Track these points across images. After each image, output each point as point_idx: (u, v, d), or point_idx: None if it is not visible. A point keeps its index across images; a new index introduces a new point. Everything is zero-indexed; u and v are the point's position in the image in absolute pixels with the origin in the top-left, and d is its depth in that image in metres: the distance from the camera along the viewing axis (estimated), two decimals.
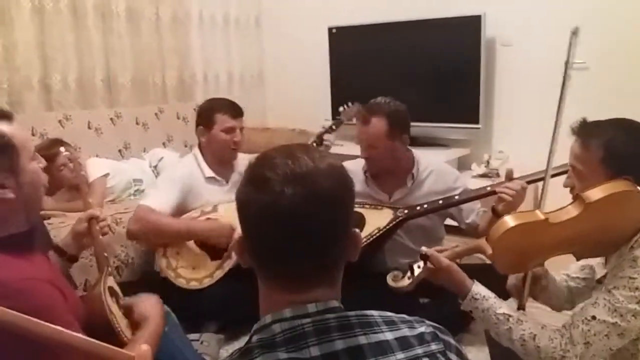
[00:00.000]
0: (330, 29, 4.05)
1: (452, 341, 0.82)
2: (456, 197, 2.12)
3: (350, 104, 2.67)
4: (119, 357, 0.84)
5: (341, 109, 2.63)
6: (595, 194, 1.23)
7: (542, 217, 1.27)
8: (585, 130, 1.33)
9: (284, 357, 0.73)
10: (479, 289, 1.37)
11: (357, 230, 0.82)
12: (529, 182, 1.93)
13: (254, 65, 4.58)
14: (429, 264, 1.40)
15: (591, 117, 1.36)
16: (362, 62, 3.95)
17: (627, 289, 1.20)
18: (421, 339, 0.79)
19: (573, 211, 1.26)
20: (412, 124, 2.29)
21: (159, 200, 2.25)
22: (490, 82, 3.62)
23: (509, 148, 3.59)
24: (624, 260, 1.24)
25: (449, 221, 2.45)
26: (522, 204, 1.97)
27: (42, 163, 1.26)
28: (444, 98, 3.64)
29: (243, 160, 2.46)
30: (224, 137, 2.37)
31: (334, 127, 2.58)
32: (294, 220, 0.75)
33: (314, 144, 2.52)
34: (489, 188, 2.11)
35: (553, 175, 1.60)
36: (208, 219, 2.33)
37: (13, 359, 1.02)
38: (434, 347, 0.79)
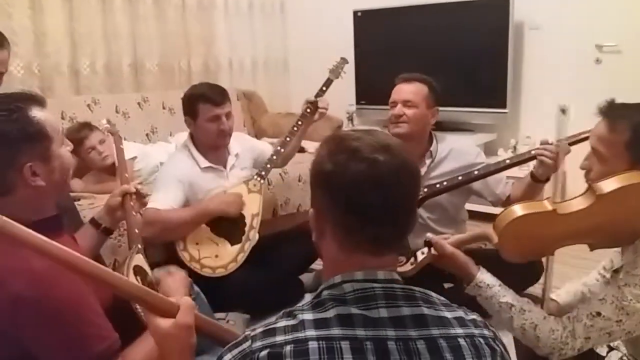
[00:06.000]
0: (355, 13, 4.02)
1: (498, 334, 0.87)
2: (475, 172, 2.09)
3: (335, 62, 2.62)
4: (164, 305, 0.90)
5: (329, 67, 2.58)
6: (608, 185, 1.17)
7: (550, 207, 1.22)
8: (613, 111, 1.26)
9: (356, 312, 0.77)
10: (483, 276, 1.34)
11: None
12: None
13: (279, 50, 4.59)
14: (432, 251, 1.39)
15: (622, 100, 1.31)
16: (388, 46, 3.91)
17: (637, 287, 1.16)
18: (475, 323, 0.85)
19: (583, 202, 1.20)
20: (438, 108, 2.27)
21: (164, 201, 2.21)
22: (518, 66, 3.56)
23: (536, 133, 3.52)
24: (638, 257, 1.19)
25: (471, 206, 2.42)
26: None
27: (70, 146, 1.27)
28: (471, 82, 3.59)
29: (235, 140, 2.41)
30: (210, 126, 2.27)
31: (324, 88, 2.49)
32: (388, 184, 0.80)
33: (307, 110, 2.45)
34: (507, 161, 2.07)
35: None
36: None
37: None
38: (486, 332, 0.84)
